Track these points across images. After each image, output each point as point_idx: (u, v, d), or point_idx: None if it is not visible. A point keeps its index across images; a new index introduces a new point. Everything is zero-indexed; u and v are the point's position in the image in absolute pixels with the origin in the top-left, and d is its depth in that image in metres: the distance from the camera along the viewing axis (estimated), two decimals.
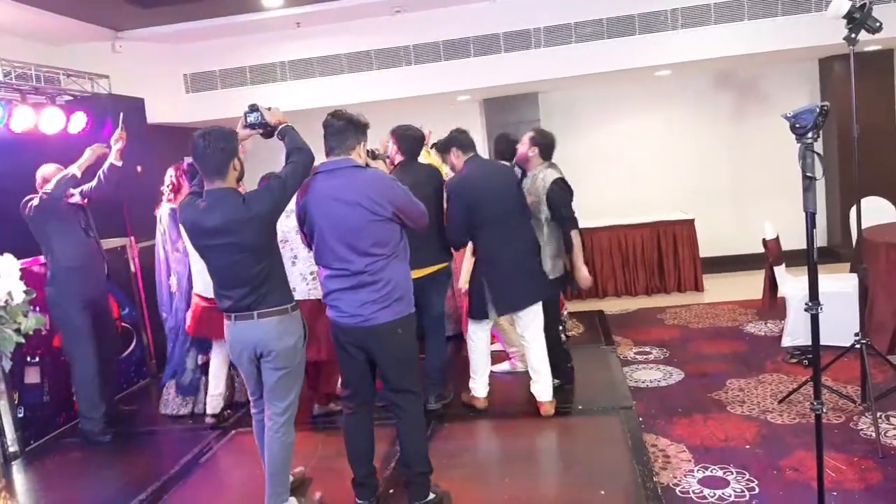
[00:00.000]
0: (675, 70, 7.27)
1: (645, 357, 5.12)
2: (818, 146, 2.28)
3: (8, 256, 1.90)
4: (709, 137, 7.93)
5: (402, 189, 3.06)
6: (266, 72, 6.92)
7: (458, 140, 4.18)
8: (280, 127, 3.08)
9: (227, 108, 6.72)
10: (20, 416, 4.42)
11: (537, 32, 6.60)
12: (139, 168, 5.72)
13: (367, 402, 3.20)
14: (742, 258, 7.44)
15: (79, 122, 5.28)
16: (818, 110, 2.13)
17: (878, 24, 3.33)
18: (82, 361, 4.41)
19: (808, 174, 2.18)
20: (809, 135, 2.15)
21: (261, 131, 3.11)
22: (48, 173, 4.39)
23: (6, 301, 1.82)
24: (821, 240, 7.89)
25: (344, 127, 2.99)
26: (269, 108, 3.10)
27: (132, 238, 5.66)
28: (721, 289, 6.94)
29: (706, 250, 7.23)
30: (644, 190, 7.90)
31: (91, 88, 5.72)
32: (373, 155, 3.84)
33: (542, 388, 4.15)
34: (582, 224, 6.73)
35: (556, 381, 4.30)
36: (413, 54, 6.78)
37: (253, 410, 3.26)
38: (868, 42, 5.98)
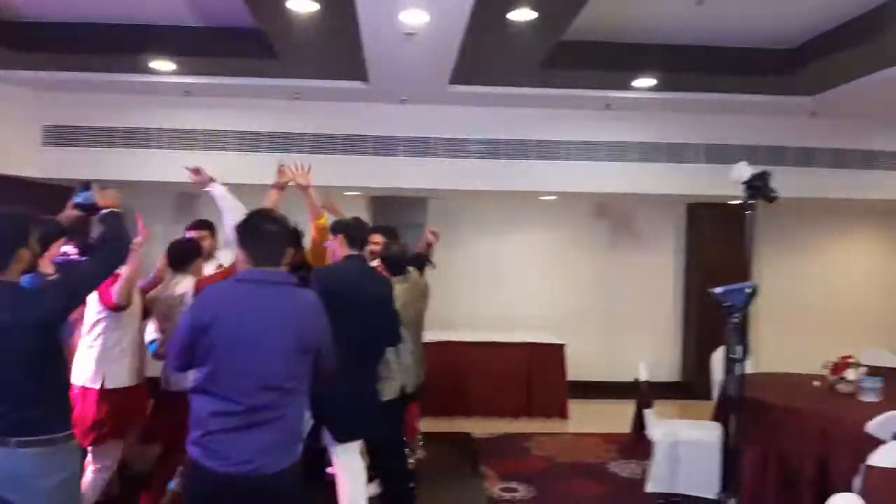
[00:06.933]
0: (562, 197, 7.49)
1: (511, 495, 4.84)
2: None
3: None
4: (586, 264, 8.18)
5: (327, 323, 2.62)
6: (137, 136, 6.35)
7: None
8: (103, 211, 2.65)
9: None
10: None
11: (436, 142, 6.58)
12: None
13: None
14: (607, 385, 7.58)
15: None
16: (750, 291, 2.04)
17: (773, 193, 3.24)
18: None
19: (731, 355, 2.06)
20: (737, 315, 2.05)
21: (89, 214, 2.71)
22: None
23: None
24: (675, 374, 8.21)
25: (279, 232, 2.52)
26: (105, 188, 2.70)
27: None
28: (586, 417, 6.89)
29: (575, 374, 7.18)
30: (519, 309, 7.91)
31: None
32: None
33: None
34: (454, 336, 6.76)
35: None
36: (312, 143, 6.47)
37: None
38: (734, 196, 6.41)
